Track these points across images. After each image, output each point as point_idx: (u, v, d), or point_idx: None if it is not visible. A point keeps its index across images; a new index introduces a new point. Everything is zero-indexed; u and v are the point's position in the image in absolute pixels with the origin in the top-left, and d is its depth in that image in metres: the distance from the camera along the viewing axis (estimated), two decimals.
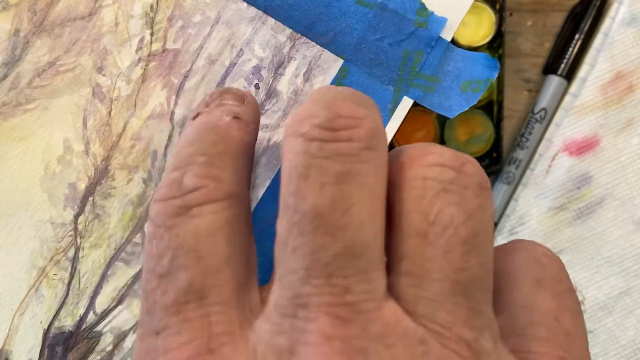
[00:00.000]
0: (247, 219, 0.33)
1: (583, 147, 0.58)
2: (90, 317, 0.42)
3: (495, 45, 0.59)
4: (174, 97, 0.43)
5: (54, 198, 0.43)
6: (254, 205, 0.42)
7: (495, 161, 0.59)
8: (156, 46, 0.43)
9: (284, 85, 0.43)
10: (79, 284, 0.42)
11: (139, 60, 0.43)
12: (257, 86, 0.43)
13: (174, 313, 0.30)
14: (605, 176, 0.58)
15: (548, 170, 0.58)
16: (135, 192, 0.43)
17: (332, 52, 0.43)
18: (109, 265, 0.42)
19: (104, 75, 0.43)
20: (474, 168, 0.31)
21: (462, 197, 0.30)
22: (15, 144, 0.43)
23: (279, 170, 0.39)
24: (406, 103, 0.42)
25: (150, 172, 0.43)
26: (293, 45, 0.43)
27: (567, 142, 0.58)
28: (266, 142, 0.42)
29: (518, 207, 0.58)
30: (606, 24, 0.58)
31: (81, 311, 0.43)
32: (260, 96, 0.43)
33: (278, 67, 0.43)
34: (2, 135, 0.43)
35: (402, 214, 0.30)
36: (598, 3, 0.60)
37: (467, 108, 0.41)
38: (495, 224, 0.59)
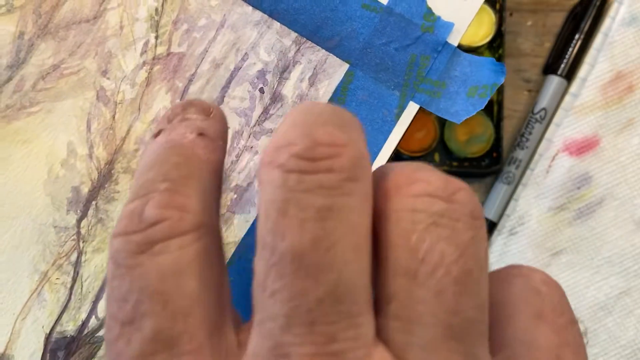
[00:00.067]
0: (217, 250, 0.30)
1: (583, 147, 0.58)
2: (93, 322, 0.42)
3: (495, 45, 0.59)
4: (178, 101, 0.43)
5: (57, 202, 0.42)
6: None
7: (495, 161, 0.59)
8: (161, 49, 0.43)
9: (289, 90, 0.43)
10: (82, 288, 0.42)
11: (144, 63, 0.43)
12: (261, 90, 0.43)
13: None
14: (605, 176, 0.58)
15: (548, 170, 0.58)
16: None
17: (337, 57, 0.43)
18: None
19: (108, 78, 0.43)
20: (466, 196, 0.28)
21: (453, 231, 0.28)
22: (19, 146, 0.42)
23: None
24: (412, 108, 0.42)
25: None
26: (298, 50, 0.43)
27: (567, 142, 0.58)
28: None
29: (518, 207, 0.58)
30: (606, 24, 0.58)
31: (83, 316, 0.42)
32: (265, 100, 0.43)
33: (283, 71, 0.43)
34: (5, 138, 0.42)
35: (389, 249, 0.28)
36: (598, 3, 0.60)
37: (474, 113, 0.41)
38: (495, 224, 0.59)
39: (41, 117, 0.43)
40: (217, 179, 0.32)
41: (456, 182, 0.29)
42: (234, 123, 0.43)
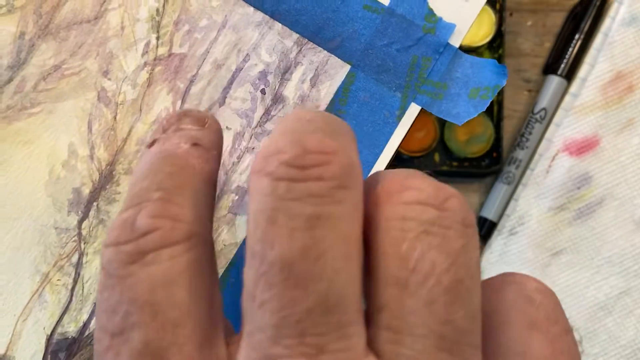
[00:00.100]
0: (209, 260, 0.30)
1: (583, 147, 0.58)
2: (94, 324, 0.42)
3: (495, 45, 0.59)
4: (179, 102, 0.43)
5: (58, 203, 0.42)
6: None
7: (495, 161, 0.59)
8: (162, 50, 0.43)
9: (290, 91, 0.43)
10: (83, 289, 0.42)
11: (145, 64, 0.43)
12: (263, 91, 0.43)
13: None
14: (605, 176, 0.58)
15: (548, 170, 0.58)
16: None
17: (339, 58, 0.43)
18: None
19: (109, 79, 0.43)
20: (457, 203, 0.28)
21: (444, 239, 0.27)
22: (20, 147, 0.42)
23: None
24: (413, 110, 0.42)
25: None
26: (300, 51, 0.43)
27: (567, 142, 0.58)
28: None
29: (518, 207, 0.58)
30: (606, 24, 0.58)
31: (84, 317, 0.42)
32: (267, 101, 0.43)
33: (285, 73, 0.43)
34: (6, 139, 0.42)
35: (379, 258, 0.27)
36: (598, 3, 0.60)
37: (476, 115, 0.41)
38: (495, 224, 0.59)
39: (42, 118, 0.42)
40: (210, 188, 0.32)
41: (447, 190, 0.28)
42: (235, 124, 0.43)
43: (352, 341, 0.26)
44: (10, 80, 0.42)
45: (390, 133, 0.42)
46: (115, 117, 0.43)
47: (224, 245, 0.42)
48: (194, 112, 0.33)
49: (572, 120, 0.58)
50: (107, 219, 0.42)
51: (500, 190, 0.60)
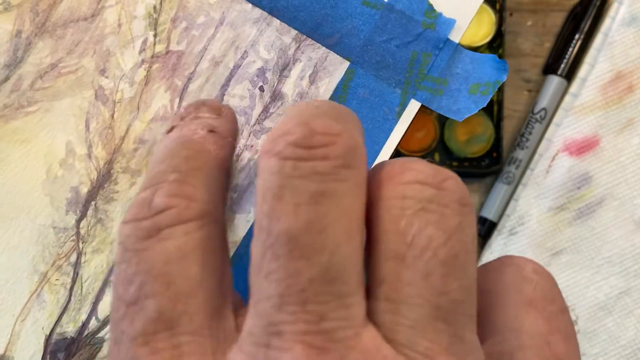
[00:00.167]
0: (221, 238, 0.31)
1: (583, 147, 0.58)
2: (93, 323, 0.42)
3: (495, 45, 0.59)
4: (177, 100, 0.42)
5: (56, 202, 0.42)
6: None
7: (495, 161, 0.59)
8: (160, 48, 0.43)
9: (289, 88, 0.42)
10: (81, 289, 0.42)
11: (142, 62, 0.43)
12: (261, 89, 0.42)
13: (142, 344, 0.28)
14: (605, 176, 0.58)
15: (548, 170, 0.58)
16: None
17: (338, 54, 0.42)
18: (111, 271, 0.42)
19: (106, 77, 0.43)
20: (455, 184, 0.29)
21: (441, 216, 0.29)
22: (17, 146, 0.42)
23: None
24: (414, 106, 0.42)
25: None
26: (298, 47, 0.43)
27: (567, 142, 0.58)
28: None
29: (518, 207, 0.58)
30: (606, 24, 0.58)
31: (83, 317, 0.42)
32: (265, 99, 0.42)
33: (283, 69, 0.43)
34: (3, 138, 0.42)
35: (380, 234, 0.29)
36: (598, 3, 0.60)
37: (476, 111, 0.41)
38: (495, 224, 0.59)
39: (39, 117, 0.42)
40: (224, 173, 0.33)
41: (445, 171, 0.30)
42: None
43: (352, 310, 0.27)
44: (7, 78, 0.42)
45: (390, 129, 0.42)
46: (112, 116, 0.42)
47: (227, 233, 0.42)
48: (211, 102, 0.36)
49: (572, 120, 0.58)
50: (106, 218, 0.42)
51: (500, 190, 0.59)
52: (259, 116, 0.42)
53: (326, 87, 0.42)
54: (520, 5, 0.61)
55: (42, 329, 0.42)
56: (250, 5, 0.43)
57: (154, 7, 0.43)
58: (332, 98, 0.42)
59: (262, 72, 0.43)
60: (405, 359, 0.27)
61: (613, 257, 0.57)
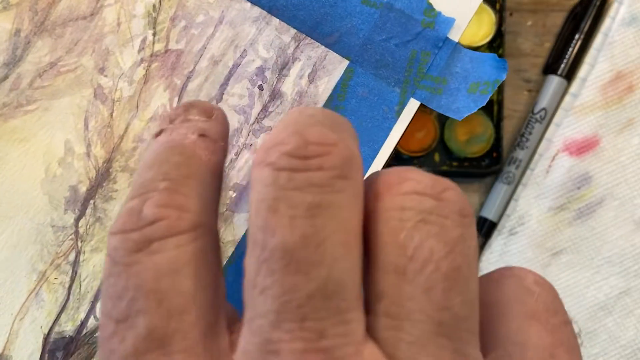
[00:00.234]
0: (214, 250, 0.30)
1: (583, 147, 0.58)
2: (91, 322, 0.42)
3: (495, 45, 0.59)
4: (176, 99, 0.42)
5: (55, 201, 0.42)
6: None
7: (495, 161, 0.59)
8: (159, 46, 0.43)
9: (288, 87, 0.42)
10: (80, 288, 0.42)
11: (141, 60, 0.43)
12: (260, 87, 0.42)
13: None
14: (605, 176, 0.58)
15: (548, 170, 0.58)
16: None
17: (337, 53, 0.42)
18: None
19: (105, 76, 0.43)
20: (455, 194, 0.28)
21: (442, 228, 0.28)
22: (15, 145, 0.42)
23: None
24: (413, 105, 0.42)
25: None
26: (297, 46, 0.43)
27: (567, 142, 0.58)
28: None
29: (518, 207, 0.58)
30: (606, 24, 0.58)
31: (82, 316, 0.42)
32: (264, 97, 0.42)
33: (282, 68, 0.42)
34: (2, 137, 0.42)
35: (379, 247, 0.28)
36: (598, 3, 0.60)
37: (476, 110, 0.41)
38: (495, 224, 0.59)
39: (38, 116, 0.42)
40: (217, 180, 0.32)
41: (445, 182, 0.29)
42: (233, 121, 0.42)
43: (351, 326, 0.26)
44: (5, 77, 0.42)
45: (390, 128, 0.42)
46: (111, 114, 0.42)
47: (222, 243, 0.42)
48: (201, 103, 0.34)
49: (572, 120, 0.58)
50: (104, 217, 0.42)
51: (500, 190, 0.59)
52: (258, 115, 0.42)
53: (325, 86, 0.42)
54: (520, 5, 0.61)
55: (41, 327, 0.42)
56: (249, 4, 0.43)
57: (153, 6, 0.43)
58: (331, 97, 0.42)
59: (261, 71, 0.42)
60: None
61: (613, 257, 0.57)
